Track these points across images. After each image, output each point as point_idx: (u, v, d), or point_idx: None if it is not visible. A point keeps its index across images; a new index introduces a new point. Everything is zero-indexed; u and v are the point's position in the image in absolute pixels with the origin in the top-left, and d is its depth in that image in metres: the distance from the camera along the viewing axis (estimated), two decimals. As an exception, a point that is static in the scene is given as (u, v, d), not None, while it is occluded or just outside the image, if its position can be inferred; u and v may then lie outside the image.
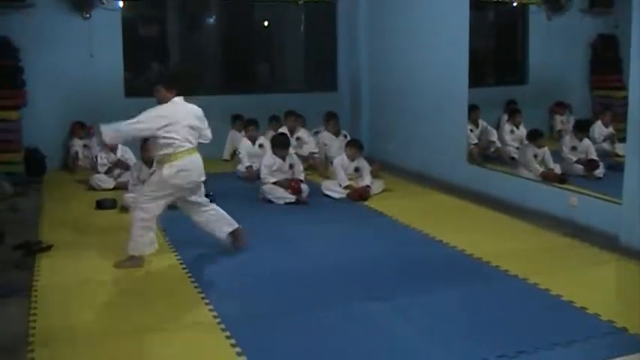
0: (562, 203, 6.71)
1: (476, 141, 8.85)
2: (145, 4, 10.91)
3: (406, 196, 8.16)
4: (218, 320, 4.38)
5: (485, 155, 8.81)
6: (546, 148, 8.02)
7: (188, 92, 5.79)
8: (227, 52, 11.52)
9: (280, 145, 7.93)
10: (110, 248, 6.02)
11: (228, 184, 8.74)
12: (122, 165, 8.71)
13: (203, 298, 4.79)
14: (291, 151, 8.23)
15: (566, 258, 5.70)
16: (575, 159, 8.21)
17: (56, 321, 4.43)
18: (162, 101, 5.54)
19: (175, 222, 6.82)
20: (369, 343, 4.07)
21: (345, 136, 9.67)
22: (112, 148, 8.77)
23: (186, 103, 5.63)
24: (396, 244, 6.22)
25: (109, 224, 6.91)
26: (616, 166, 7.18)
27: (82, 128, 9.91)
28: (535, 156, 7.94)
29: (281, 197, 7.63)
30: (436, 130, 8.88)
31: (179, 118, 5.46)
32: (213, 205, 5.86)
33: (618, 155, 7.95)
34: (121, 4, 10.12)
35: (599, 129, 8.81)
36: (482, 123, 9.04)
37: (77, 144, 9.90)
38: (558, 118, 9.44)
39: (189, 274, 5.31)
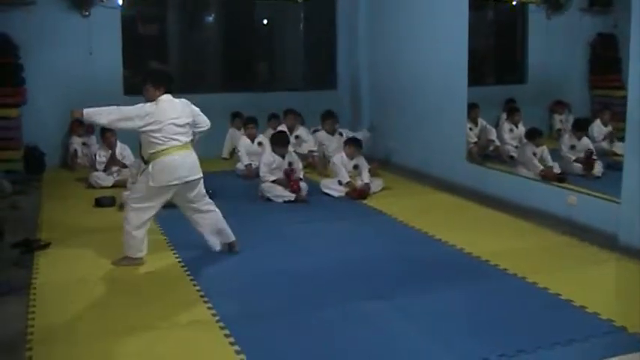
0: (561, 202, 6.72)
1: (475, 139, 8.86)
2: (144, 2, 10.91)
3: (405, 194, 8.17)
4: (217, 319, 4.38)
5: (485, 154, 8.82)
6: (545, 147, 8.03)
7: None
8: (227, 51, 11.51)
9: (279, 143, 7.93)
10: (109, 246, 6.02)
11: (227, 182, 8.74)
12: (117, 162, 8.70)
13: (202, 297, 4.79)
14: (290, 149, 8.23)
15: (565, 257, 5.70)
16: (574, 158, 8.21)
17: (55, 319, 4.43)
18: (151, 99, 5.49)
19: (174, 221, 6.82)
20: (369, 342, 4.07)
21: (341, 135, 9.68)
22: (111, 146, 8.78)
23: (173, 99, 5.56)
24: (395, 242, 6.22)
25: (107, 222, 6.90)
26: (615, 165, 7.19)
27: (81, 126, 9.88)
28: (534, 154, 7.94)
29: (280, 195, 7.63)
30: (436, 129, 8.88)
31: (163, 117, 5.38)
32: (213, 214, 5.75)
33: (617, 154, 7.96)
34: (120, 2, 10.10)
35: (598, 128, 8.82)
36: (481, 122, 9.05)
37: (76, 142, 9.90)
38: (557, 117, 9.44)
39: (188, 273, 5.31)
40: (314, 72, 11.95)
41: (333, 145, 9.50)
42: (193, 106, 5.74)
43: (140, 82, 5.68)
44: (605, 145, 8.68)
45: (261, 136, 9.41)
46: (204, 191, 5.71)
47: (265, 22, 11.95)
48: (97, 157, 8.77)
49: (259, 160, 8.22)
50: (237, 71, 11.38)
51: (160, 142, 5.36)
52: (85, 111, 5.38)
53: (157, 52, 11.17)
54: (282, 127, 9.48)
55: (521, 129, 8.83)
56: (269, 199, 7.68)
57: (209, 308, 4.57)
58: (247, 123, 9.48)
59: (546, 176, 7.57)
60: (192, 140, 5.70)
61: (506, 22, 10.17)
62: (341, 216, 7.16)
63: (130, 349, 3.98)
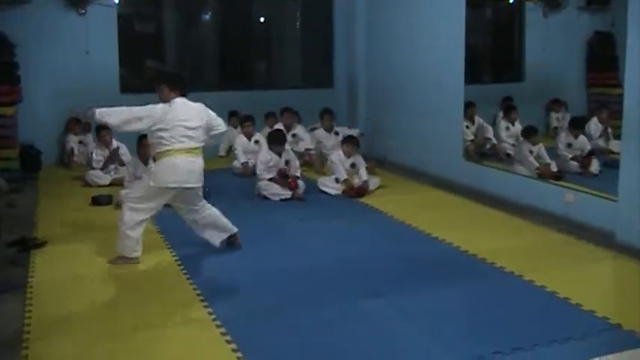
0: (558, 200, 6.72)
1: (472, 137, 8.87)
2: (140, 0, 10.90)
3: (402, 192, 8.17)
4: (213, 317, 4.38)
5: (482, 152, 8.82)
6: (541, 145, 8.03)
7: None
8: (223, 49, 11.51)
9: (276, 141, 7.92)
10: (106, 244, 6.02)
11: (224, 180, 8.74)
12: (116, 157, 8.69)
13: (198, 295, 4.78)
14: (287, 147, 8.22)
15: (562, 255, 5.70)
16: (570, 156, 8.22)
17: (51, 317, 4.42)
18: (165, 99, 5.47)
19: (171, 220, 6.81)
20: (366, 340, 4.07)
21: (337, 133, 9.69)
22: (107, 144, 8.77)
23: (188, 102, 5.52)
24: (392, 240, 6.22)
25: (104, 220, 6.89)
26: (611, 163, 7.19)
27: (77, 124, 9.89)
28: (530, 152, 7.94)
29: (277, 194, 7.62)
30: (432, 127, 8.88)
31: (173, 118, 5.35)
32: (211, 212, 5.74)
33: (613, 152, 7.97)
34: (116, 0, 10.10)
35: (594, 126, 8.83)
36: (478, 120, 9.06)
37: (73, 140, 9.89)
38: (554, 115, 9.46)
39: (184, 272, 5.31)
40: (311, 70, 11.95)
41: (331, 143, 9.51)
42: (210, 111, 5.65)
43: (154, 81, 5.66)
44: (601, 143, 8.69)
45: (258, 134, 9.40)
46: (200, 193, 5.70)
47: (262, 20, 11.95)
48: (94, 156, 8.75)
49: (256, 158, 8.21)
50: (234, 69, 11.37)
51: (167, 142, 5.34)
52: (98, 111, 5.42)
53: (153, 51, 11.17)
54: (279, 126, 9.48)
55: (518, 127, 8.84)
56: (266, 197, 7.67)
57: (205, 307, 4.56)
58: (244, 121, 9.48)
59: (543, 174, 7.57)
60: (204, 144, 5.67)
61: (503, 21, 10.18)
62: (338, 214, 7.16)
63: (126, 348, 3.98)
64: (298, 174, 7.96)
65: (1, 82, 9.11)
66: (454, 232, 6.24)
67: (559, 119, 9.37)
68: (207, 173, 9.37)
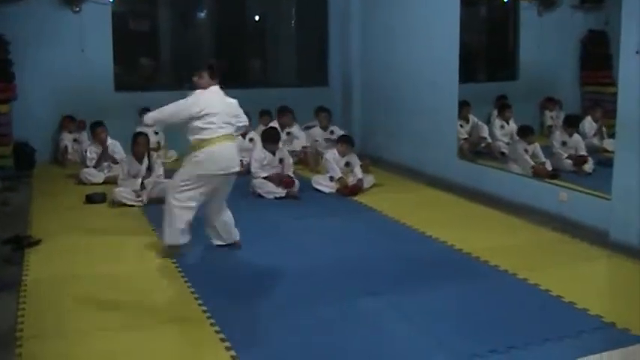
0: (552, 199, 6.73)
1: (466, 136, 8.87)
2: (135, -3, 10.91)
3: (397, 191, 8.17)
4: (208, 315, 4.37)
5: (476, 150, 8.83)
6: (537, 144, 8.04)
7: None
8: (218, 47, 11.49)
9: (270, 139, 7.92)
10: (100, 243, 6.03)
11: (219, 178, 8.72)
12: (107, 157, 8.68)
13: (193, 293, 4.78)
14: (281, 145, 8.22)
15: (556, 253, 5.72)
16: (565, 154, 8.23)
17: (45, 315, 4.41)
18: (202, 87, 5.52)
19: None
20: (361, 338, 4.07)
21: (332, 132, 9.69)
22: (102, 142, 8.76)
23: (222, 93, 5.62)
24: (387, 239, 6.22)
25: (98, 218, 6.89)
26: (605, 162, 7.20)
27: (71, 122, 9.88)
28: (525, 151, 7.95)
29: (271, 192, 7.62)
30: (427, 126, 8.88)
31: (216, 105, 5.45)
32: (228, 212, 5.77)
33: (607, 151, 7.98)
34: (111, -3, 10.10)
35: (589, 124, 8.85)
36: (472, 119, 9.06)
37: (67, 138, 9.87)
38: (548, 113, 9.47)
39: (179, 269, 5.30)
40: (306, 68, 11.95)
41: (326, 142, 9.51)
42: (238, 106, 5.75)
43: (196, 68, 5.70)
44: (596, 141, 8.70)
45: (252, 132, 9.40)
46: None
47: (257, 18, 11.94)
48: (88, 154, 8.74)
49: (250, 156, 8.21)
50: (229, 68, 11.33)
51: (212, 128, 5.40)
52: (147, 117, 5.53)
53: (148, 49, 11.15)
54: (274, 124, 9.48)
55: (513, 125, 8.85)
56: (260, 196, 7.67)
57: (200, 305, 4.56)
58: (239, 119, 9.45)
59: (539, 173, 7.58)
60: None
61: (497, 19, 10.19)
62: (333, 212, 7.16)
63: (120, 346, 3.97)
64: (291, 173, 7.94)
65: (-5, 80, 9.09)
66: (448, 231, 6.25)
67: (553, 118, 9.38)
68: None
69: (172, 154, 10.14)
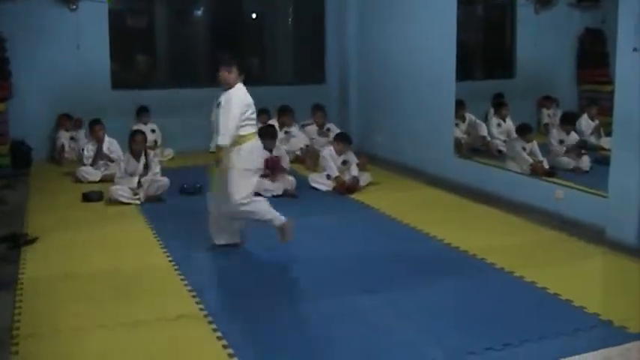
0: (549, 197, 6.74)
1: (462, 135, 8.86)
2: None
3: (393, 189, 8.17)
4: (205, 313, 4.38)
5: (473, 148, 8.83)
6: (535, 142, 8.04)
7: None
8: (214, 45, 11.47)
9: (267, 135, 7.88)
10: (96, 241, 6.02)
11: (216, 176, 8.72)
12: (104, 156, 8.68)
13: (190, 291, 4.78)
14: (278, 144, 8.22)
15: (552, 251, 5.72)
16: (563, 152, 8.24)
17: (42, 314, 4.41)
18: (232, 83, 5.43)
19: (164, 217, 6.83)
20: (357, 335, 4.08)
21: (328, 130, 9.69)
22: (100, 140, 8.75)
23: None
24: (384, 237, 6.22)
25: (95, 217, 6.88)
26: (602, 160, 7.21)
27: (68, 120, 9.86)
28: (523, 149, 7.95)
29: (268, 190, 7.60)
30: (424, 124, 8.88)
31: (251, 101, 5.51)
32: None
33: (604, 149, 7.99)
34: (107, -5, 10.08)
35: (585, 122, 8.86)
36: (469, 117, 9.05)
37: (64, 136, 9.85)
38: (545, 112, 9.48)
39: (176, 268, 5.30)
40: (303, 66, 11.94)
41: (323, 140, 9.51)
42: None
43: (226, 62, 5.51)
44: (592, 139, 8.71)
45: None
46: None
47: (254, 16, 11.92)
48: (85, 152, 8.73)
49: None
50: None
51: (253, 124, 5.50)
52: (223, 140, 5.37)
53: (145, 46, 11.13)
54: (273, 122, 9.47)
55: (509, 123, 8.85)
56: (257, 194, 7.64)
57: (197, 303, 4.56)
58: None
59: (536, 171, 7.58)
60: None
61: (494, 17, 10.19)
62: (330, 210, 7.16)
63: (117, 344, 3.97)
64: (286, 165, 7.94)
65: (-9, 78, 9.08)
66: (445, 229, 6.25)
67: (550, 116, 9.38)
68: (199, 169, 9.37)
69: (169, 153, 10.15)
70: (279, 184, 7.65)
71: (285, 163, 8.00)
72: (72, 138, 9.88)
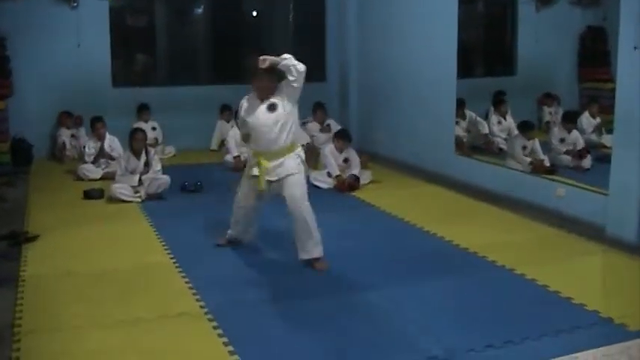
0: (550, 194, 6.74)
1: (463, 133, 8.85)
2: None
3: (394, 187, 8.18)
4: (205, 310, 4.38)
5: (474, 146, 8.82)
6: (536, 140, 8.03)
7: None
8: (215, 42, 11.46)
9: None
10: (97, 238, 6.03)
11: (216, 174, 8.73)
12: (105, 154, 8.68)
13: (190, 289, 4.78)
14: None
15: (553, 249, 5.72)
16: (564, 150, 8.24)
17: (43, 311, 4.41)
18: (267, 91, 5.18)
19: (165, 215, 6.83)
20: (358, 333, 4.08)
21: (328, 126, 9.69)
22: (101, 137, 8.76)
23: None
24: (384, 235, 6.23)
25: (96, 214, 6.89)
26: (603, 158, 7.21)
27: (69, 118, 9.87)
28: (524, 147, 7.95)
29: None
30: (425, 122, 8.88)
31: None
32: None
33: (605, 146, 7.99)
34: (108, -7, 10.07)
35: (586, 120, 8.85)
36: (470, 115, 9.05)
37: (64, 134, 9.86)
38: (547, 109, 9.47)
39: (177, 265, 5.30)
40: (303, 64, 11.87)
41: (323, 137, 9.51)
42: None
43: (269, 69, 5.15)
44: (593, 137, 8.71)
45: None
46: None
47: (255, 13, 11.91)
48: (86, 149, 8.74)
49: (248, 152, 8.18)
50: (226, 63, 11.33)
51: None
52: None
53: (145, 44, 11.13)
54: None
55: (510, 121, 8.85)
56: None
57: (198, 300, 4.56)
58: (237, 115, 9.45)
59: (537, 169, 7.58)
60: None
61: (495, 15, 10.17)
62: (330, 208, 7.13)
63: (118, 342, 3.97)
64: None
65: (-8, 76, 9.08)
66: (446, 226, 6.26)
67: (552, 114, 9.38)
68: (199, 167, 9.38)
69: (170, 150, 10.16)
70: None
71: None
72: (73, 136, 9.88)
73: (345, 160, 8.10)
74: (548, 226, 6.32)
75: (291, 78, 5.09)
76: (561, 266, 5.23)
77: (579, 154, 8.07)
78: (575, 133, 8.38)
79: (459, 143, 8.48)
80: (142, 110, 10.05)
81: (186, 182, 7.79)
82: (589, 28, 9.12)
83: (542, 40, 9.11)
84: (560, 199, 6.59)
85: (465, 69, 8.62)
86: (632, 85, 5.61)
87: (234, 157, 9.06)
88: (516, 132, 8.32)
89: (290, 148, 5.24)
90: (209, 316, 4.30)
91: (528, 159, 7.80)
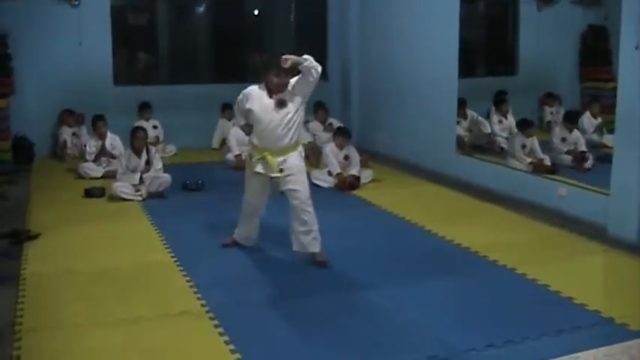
0: (551, 194, 6.73)
1: (464, 133, 8.85)
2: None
3: (395, 186, 8.17)
4: (207, 309, 4.38)
5: (475, 145, 8.82)
6: (535, 138, 8.03)
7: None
8: (217, 41, 11.46)
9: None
10: (98, 237, 6.02)
11: (217, 172, 8.73)
12: (106, 153, 8.69)
13: (192, 287, 4.78)
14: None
15: (554, 248, 5.72)
16: (565, 150, 8.23)
17: (44, 310, 4.42)
18: (280, 87, 5.15)
19: (166, 213, 6.83)
20: (359, 332, 4.08)
21: (330, 125, 9.70)
22: (102, 136, 8.76)
23: None
24: (385, 234, 6.22)
25: (97, 213, 6.88)
26: (604, 158, 7.21)
27: (70, 116, 9.87)
28: (523, 146, 7.95)
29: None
30: (426, 121, 8.88)
31: None
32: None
33: (606, 146, 7.98)
34: (109, -9, 10.07)
35: (587, 120, 8.85)
36: (472, 114, 9.04)
37: (66, 132, 9.85)
38: (548, 109, 9.47)
39: (178, 264, 5.30)
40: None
41: (325, 136, 9.51)
42: None
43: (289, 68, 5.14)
44: (595, 137, 8.70)
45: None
46: None
47: (256, 12, 11.91)
48: (87, 148, 8.74)
49: (249, 148, 8.18)
50: (228, 62, 11.33)
51: None
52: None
53: (147, 42, 11.14)
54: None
55: (511, 120, 8.85)
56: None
57: (199, 299, 4.57)
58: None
59: (537, 168, 7.58)
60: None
61: (497, 14, 10.17)
62: (331, 207, 7.13)
63: (119, 340, 3.98)
64: None
65: (-7, 74, 9.08)
66: (447, 226, 6.25)
67: (553, 113, 9.38)
68: (201, 166, 9.38)
69: (171, 149, 10.16)
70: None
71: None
72: (74, 134, 9.88)
73: (346, 158, 8.10)
74: (549, 226, 6.32)
75: (310, 79, 5.11)
76: (562, 266, 5.23)
77: (579, 158, 8.05)
78: (576, 132, 8.38)
79: (460, 143, 8.48)
80: (143, 109, 10.05)
81: (187, 181, 7.79)
82: (590, 28, 9.12)
83: (544, 40, 9.11)
84: (562, 199, 6.59)
85: (467, 68, 8.62)
86: (633, 84, 5.61)
87: (236, 156, 9.05)
88: (516, 131, 8.32)
89: (294, 146, 5.24)
90: (210, 314, 4.30)
91: (528, 159, 7.79)
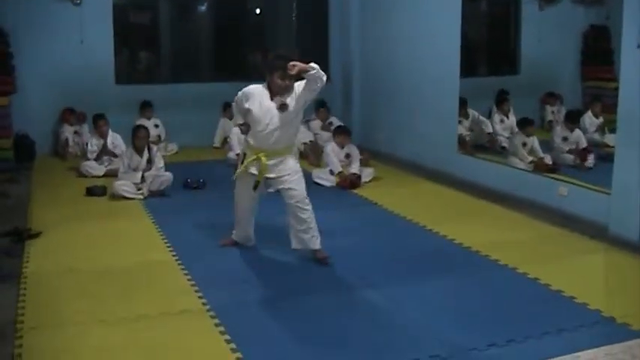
0: (552, 193, 6.73)
1: (466, 132, 8.85)
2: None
3: (396, 185, 8.17)
4: (207, 308, 4.38)
5: (477, 145, 8.82)
6: (535, 137, 8.03)
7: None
8: (218, 40, 11.47)
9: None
10: (100, 235, 6.03)
11: (219, 171, 8.72)
12: (108, 152, 8.69)
13: (193, 286, 4.78)
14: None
15: (555, 247, 5.72)
16: (566, 149, 8.23)
17: (45, 308, 4.42)
18: (282, 88, 5.14)
19: (167, 212, 6.84)
20: (359, 331, 4.08)
21: (331, 124, 9.71)
22: (104, 135, 8.76)
23: None
24: (386, 232, 6.23)
25: (98, 211, 6.89)
26: (606, 157, 7.20)
27: (72, 115, 9.87)
28: (524, 144, 7.95)
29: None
30: (427, 120, 8.87)
31: None
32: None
33: (608, 146, 7.97)
34: (111, -10, 10.07)
35: (589, 119, 8.84)
36: (473, 114, 9.04)
37: (67, 130, 9.86)
38: (549, 108, 9.45)
39: (179, 263, 5.30)
40: (306, 62, 11.88)
41: (326, 135, 9.52)
42: None
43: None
44: (596, 136, 8.70)
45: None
46: None
47: (258, 11, 11.92)
48: (89, 146, 8.74)
49: (245, 148, 8.19)
50: (229, 61, 11.34)
51: None
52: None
53: (149, 41, 11.14)
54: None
55: (512, 119, 8.83)
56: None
57: (200, 297, 4.57)
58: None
59: (538, 167, 7.58)
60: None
61: (499, 14, 10.16)
62: (332, 206, 7.14)
63: (120, 339, 3.98)
64: None
65: (-5, 72, 9.08)
66: (448, 225, 6.25)
67: (554, 113, 9.36)
68: (202, 164, 9.39)
69: (173, 148, 10.16)
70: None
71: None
72: (76, 132, 9.88)
73: (347, 156, 8.11)
74: (550, 225, 6.31)
75: (314, 88, 5.11)
76: (564, 265, 5.23)
77: (581, 155, 8.05)
78: (577, 132, 8.37)
79: (461, 142, 8.47)
80: (145, 107, 10.06)
81: (188, 179, 7.80)
82: (592, 27, 9.11)
83: (546, 39, 9.10)
84: (563, 198, 6.59)
85: (468, 68, 8.61)
86: (635, 83, 5.61)
87: (237, 155, 9.02)
88: (517, 129, 8.32)
89: (290, 149, 5.26)
90: (211, 313, 4.30)
91: (529, 158, 7.79)
